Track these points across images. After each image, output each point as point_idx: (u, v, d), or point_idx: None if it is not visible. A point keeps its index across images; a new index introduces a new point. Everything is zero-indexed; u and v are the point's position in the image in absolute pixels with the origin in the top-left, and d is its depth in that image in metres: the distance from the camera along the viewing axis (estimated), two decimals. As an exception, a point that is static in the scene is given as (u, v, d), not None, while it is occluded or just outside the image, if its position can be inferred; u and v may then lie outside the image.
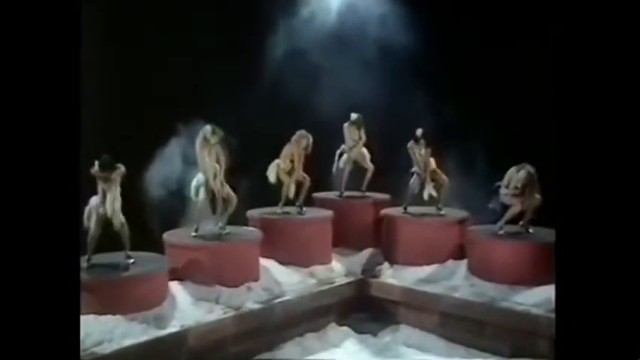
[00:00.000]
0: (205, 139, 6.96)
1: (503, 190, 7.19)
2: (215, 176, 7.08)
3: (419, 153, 8.10)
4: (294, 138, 7.91)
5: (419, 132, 8.07)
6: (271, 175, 7.84)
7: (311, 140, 7.90)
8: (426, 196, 8.03)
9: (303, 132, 7.94)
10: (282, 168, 7.90)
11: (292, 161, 7.89)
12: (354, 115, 8.69)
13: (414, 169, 8.18)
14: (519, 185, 7.06)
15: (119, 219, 6.19)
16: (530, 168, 7.12)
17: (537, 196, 7.17)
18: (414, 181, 8.17)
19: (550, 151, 7.17)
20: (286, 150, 7.92)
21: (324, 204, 8.66)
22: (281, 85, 8.98)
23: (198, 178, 7.04)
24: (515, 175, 7.16)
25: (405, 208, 8.35)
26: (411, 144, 8.11)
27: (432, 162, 8.12)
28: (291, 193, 7.94)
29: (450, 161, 8.17)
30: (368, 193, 8.82)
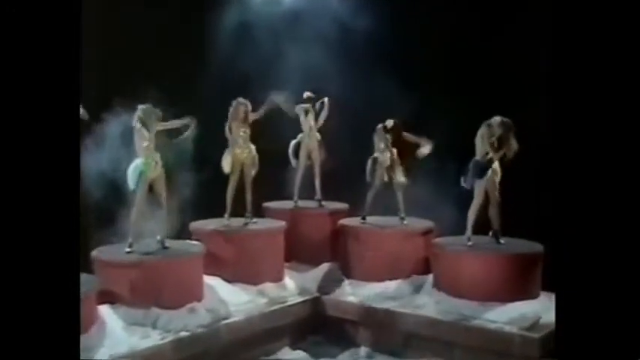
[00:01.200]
0: (141, 120, 6.46)
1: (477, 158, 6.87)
2: (156, 164, 6.59)
3: (385, 144, 7.71)
4: (230, 111, 7.41)
5: (390, 123, 7.71)
6: (225, 164, 7.37)
7: (249, 108, 7.40)
8: (398, 186, 7.64)
9: (239, 99, 7.43)
10: (237, 153, 7.38)
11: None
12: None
13: (375, 154, 7.77)
14: (494, 137, 6.79)
15: None
16: (498, 118, 6.84)
17: (514, 143, 6.86)
18: (370, 166, 7.76)
19: (530, 151, 6.87)
20: (227, 129, 7.44)
21: (275, 214, 8.32)
22: (230, 71, 8.51)
23: (136, 164, 6.51)
24: (487, 131, 6.87)
25: (364, 218, 8.00)
26: (379, 130, 7.72)
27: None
28: (228, 169, 7.34)
29: (414, 163, 7.83)
30: (324, 202, 8.51)
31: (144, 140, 6.41)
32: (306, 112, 8.22)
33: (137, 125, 6.45)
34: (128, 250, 6.57)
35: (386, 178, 7.82)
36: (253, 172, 7.53)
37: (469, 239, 7.12)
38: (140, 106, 6.47)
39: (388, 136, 7.74)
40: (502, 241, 7.20)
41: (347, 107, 8.35)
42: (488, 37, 8.17)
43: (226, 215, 7.55)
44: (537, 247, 7.08)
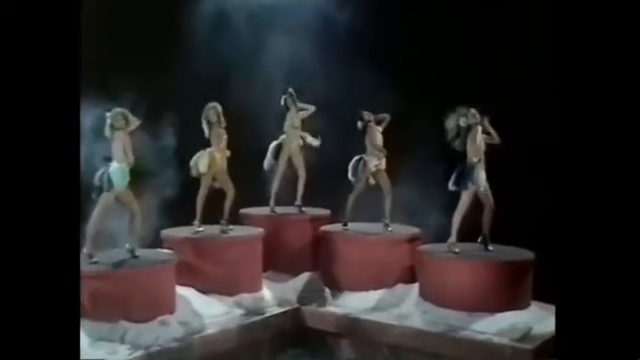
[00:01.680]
0: (112, 125, 6.31)
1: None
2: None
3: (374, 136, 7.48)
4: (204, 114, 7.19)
5: (383, 116, 7.52)
6: (201, 164, 7.15)
7: (219, 110, 7.17)
8: (369, 172, 7.40)
9: (209, 104, 7.21)
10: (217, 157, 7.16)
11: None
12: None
13: (365, 156, 7.52)
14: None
15: None
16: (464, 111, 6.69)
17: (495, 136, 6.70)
18: (355, 167, 7.53)
19: (521, 152, 6.61)
20: (206, 130, 7.21)
21: (253, 221, 8.06)
22: (208, 66, 8.25)
23: (119, 168, 6.31)
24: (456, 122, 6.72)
25: (345, 224, 7.77)
26: (372, 127, 7.50)
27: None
28: (204, 169, 7.14)
29: (397, 166, 7.65)
30: (305, 208, 8.28)
31: (119, 145, 6.30)
32: (287, 110, 7.98)
33: (109, 131, 6.31)
34: (90, 260, 6.30)
35: (372, 182, 7.62)
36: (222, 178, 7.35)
37: (454, 244, 6.92)
38: (111, 111, 6.31)
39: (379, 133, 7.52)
40: (490, 247, 7.02)
41: (329, 105, 8.11)
42: (480, 30, 7.98)
43: (196, 222, 7.33)
44: (528, 255, 6.94)
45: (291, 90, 7.94)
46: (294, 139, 7.99)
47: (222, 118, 7.23)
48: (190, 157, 7.29)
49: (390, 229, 7.65)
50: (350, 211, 7.74)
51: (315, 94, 8.04)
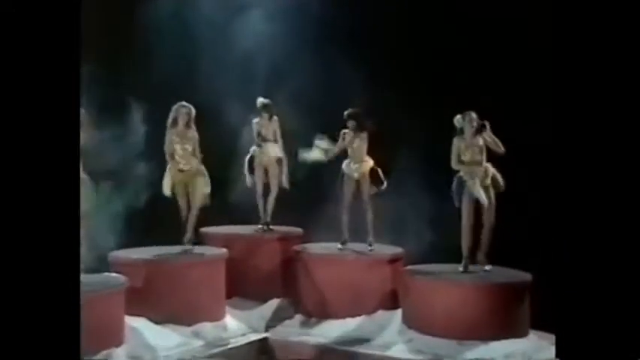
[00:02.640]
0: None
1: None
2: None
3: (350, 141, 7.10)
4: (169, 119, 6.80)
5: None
6: (165, 184, 6.77)
7: (193, 113, 6.76)
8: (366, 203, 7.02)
9: (181, 103, 6.79)
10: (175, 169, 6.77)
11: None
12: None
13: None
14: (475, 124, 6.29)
15: None
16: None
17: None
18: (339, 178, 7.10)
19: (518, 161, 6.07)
20: (167, 139, 6.81)
21: (214, 241, 7.59)
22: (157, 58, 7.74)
23: None
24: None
25: (344, 243, 7.28)
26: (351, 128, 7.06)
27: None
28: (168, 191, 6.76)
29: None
30: (273, 226, 7.89)
31: None
32: (261, 121, 7.57)
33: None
34: None
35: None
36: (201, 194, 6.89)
37: (466, 265, 6.50)
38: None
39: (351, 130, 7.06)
40: (487, 267, 6.57)
41: (303, 108, 7.64)
42: (475, 25, 7.56)
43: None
44: (525, 277, 6.50)
45: (264, 100, 7.54)
46: (268, 150, 7.59)
47: (192, 120, 6.79)
48: (147, 164, 6.88)
49: (371, 248, 7.21)
50: (346, 228, 7.25)
51: (290, 93, 7.65)
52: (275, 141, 7.59)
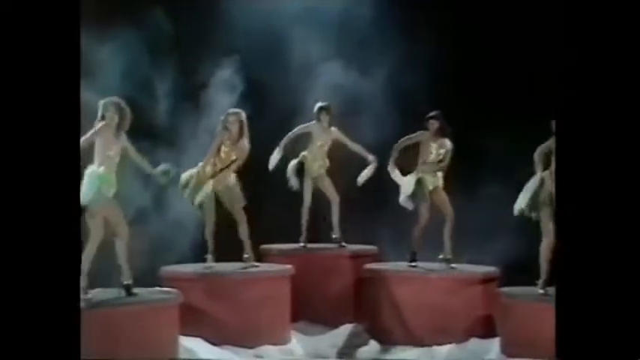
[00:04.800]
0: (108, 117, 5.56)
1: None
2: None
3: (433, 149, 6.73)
4: (221, 123, 6.45)
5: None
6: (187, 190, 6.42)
7: (244, 119, 6.43)
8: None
9: (233, 110, 6.46)
10: (203, 175, 6.41)
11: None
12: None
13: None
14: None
15: None
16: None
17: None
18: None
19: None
20: (214, 143, 6.47)
21: (278, 259, 7.15)
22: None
23: (92, 171, 5.51)
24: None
25: (413, 259, 6.77)
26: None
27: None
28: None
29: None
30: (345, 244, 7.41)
31: (108, 145, 5.50)
32: (318, 126, 7.13)
33: (98, 124, 5.49)
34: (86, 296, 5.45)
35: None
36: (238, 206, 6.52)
37: (544, 286, 5.92)
38: (103, 100, 5.57)
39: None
40: (454, 265, 6.58)
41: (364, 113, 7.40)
42: None
43: (209, 255, 6.52)
44: None
45: (322, 104, 7.13)
46: (320, 159, 7.16)
47: (245, 129, 6.43)
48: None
49: (453, 265, 6.68)
50: (417, 243, 6.77)
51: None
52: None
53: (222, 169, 6.38)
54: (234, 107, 6.56)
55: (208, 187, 6.39)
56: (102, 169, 5.42)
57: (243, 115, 6.40)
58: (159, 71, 7.08)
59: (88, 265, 5.44)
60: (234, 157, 6.40)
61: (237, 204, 6.47)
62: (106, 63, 6.54)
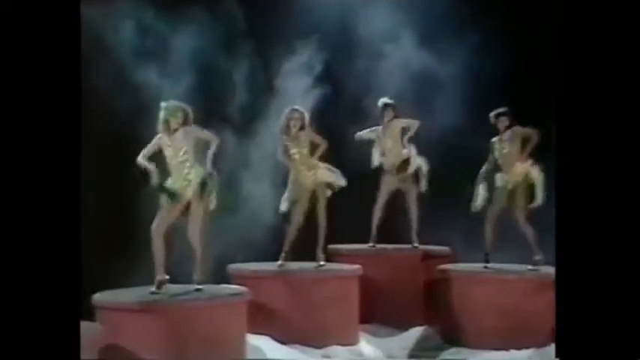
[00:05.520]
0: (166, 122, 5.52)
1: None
2: (187, 184, 5.50)
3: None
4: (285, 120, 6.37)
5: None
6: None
7: (306, 118, 6.32)
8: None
9: (292, 107, 6.39)
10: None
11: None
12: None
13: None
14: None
15: None
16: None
17: None
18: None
19: None
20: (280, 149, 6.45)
21: (347, 259, 7.04)
22: None
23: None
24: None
25: (487, 260, 6.59)
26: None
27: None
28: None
29: None
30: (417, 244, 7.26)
31: (167, 151, 5.52)
32: (387, 125, 7.01)
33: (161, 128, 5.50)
34: (155, 290, 5.52)
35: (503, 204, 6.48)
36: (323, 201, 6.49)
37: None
38: (164, 104, 5.54)
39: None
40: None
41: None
42: None
43: (283, 254, 6.50)
44: None
45: (387, 100, 7.00)
46: (397, 158, 7.05)
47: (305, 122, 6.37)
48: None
49: (534, 267, 6.41)
50: (490, 242, 6.57)
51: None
52: (402, 146, 7.02)
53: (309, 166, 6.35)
54: (310, 91, 6.58)
55: (306, 182, 6.36)
56: (169, 180, 5.45)
57: (303, 113, 6.35)
58: (232, 57, 7.07)
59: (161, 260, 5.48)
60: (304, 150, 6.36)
61: (322, 202, 6.43)
62: (179, 49, 6.60)
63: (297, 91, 6.69)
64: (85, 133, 4.28)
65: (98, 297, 5.57)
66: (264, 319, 6.05)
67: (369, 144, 7.09)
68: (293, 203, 6.37)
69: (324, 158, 6.43)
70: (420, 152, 7.05)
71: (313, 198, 6.43)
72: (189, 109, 5.51)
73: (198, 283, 5.65)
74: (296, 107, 6.34)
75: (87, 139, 4.51)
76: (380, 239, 7.20)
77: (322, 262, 6.49)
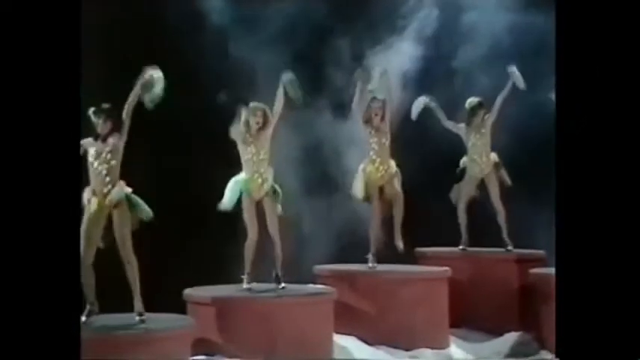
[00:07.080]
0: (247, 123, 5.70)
1: None
2: (261, 182, 5.69)
3: None
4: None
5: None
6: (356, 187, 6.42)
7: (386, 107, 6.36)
8: None
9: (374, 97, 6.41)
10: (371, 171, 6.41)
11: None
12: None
13: None
14: None
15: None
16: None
17: None
18: None
19: None
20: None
21: (434, 262, 6.96)
22: None
23: (236, 180, 5.77)
24: None
25: None
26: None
27: None
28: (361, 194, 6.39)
29: None
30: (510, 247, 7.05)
31: (246, 150, 5.67)
32: (470, 125, 6.82)
33: (239, 130, 5.64)
34: (246, 286, 5.74)
35: None
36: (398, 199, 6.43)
37: None
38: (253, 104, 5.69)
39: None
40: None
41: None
42: None
43: (370, 256, 6.45)
44: None
45: (475, 99, 6.83)
46: (484, 164, 6.87)
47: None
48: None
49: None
50: None
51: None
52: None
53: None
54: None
55: (371, 177, 6.33)
56: (242, 175, 5.62)
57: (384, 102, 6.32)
58: (327, 49, 7.15)
59: (250, 260, 5.66)
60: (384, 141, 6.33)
61: (398, 197, 6.36)
62: (273, 41, 6.71)
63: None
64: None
65: (189, 292, 5.75)
66: (350, 318, 6.02)
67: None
68: (366, 198, 6.34)
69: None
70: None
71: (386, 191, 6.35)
72: (268, 109, 5.62)
73: (281, 277, 5.76)
74: (377, 97, 6.29)
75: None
76: (472, 242, 7.02)
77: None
